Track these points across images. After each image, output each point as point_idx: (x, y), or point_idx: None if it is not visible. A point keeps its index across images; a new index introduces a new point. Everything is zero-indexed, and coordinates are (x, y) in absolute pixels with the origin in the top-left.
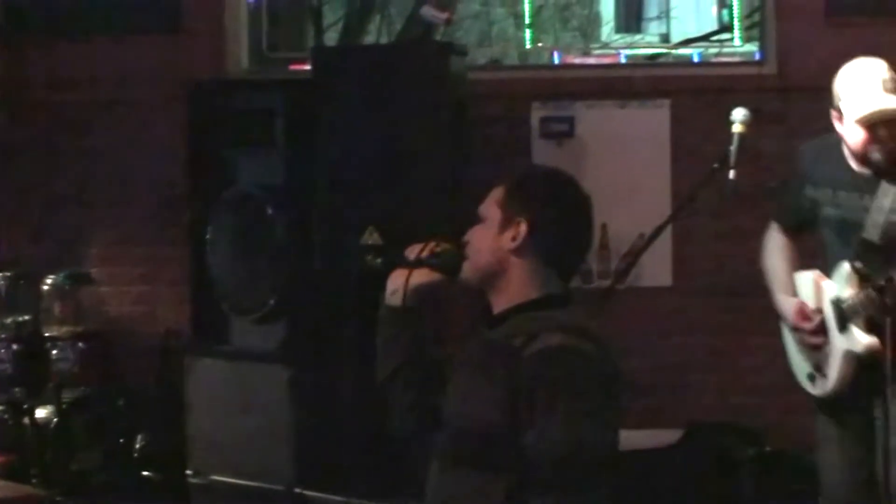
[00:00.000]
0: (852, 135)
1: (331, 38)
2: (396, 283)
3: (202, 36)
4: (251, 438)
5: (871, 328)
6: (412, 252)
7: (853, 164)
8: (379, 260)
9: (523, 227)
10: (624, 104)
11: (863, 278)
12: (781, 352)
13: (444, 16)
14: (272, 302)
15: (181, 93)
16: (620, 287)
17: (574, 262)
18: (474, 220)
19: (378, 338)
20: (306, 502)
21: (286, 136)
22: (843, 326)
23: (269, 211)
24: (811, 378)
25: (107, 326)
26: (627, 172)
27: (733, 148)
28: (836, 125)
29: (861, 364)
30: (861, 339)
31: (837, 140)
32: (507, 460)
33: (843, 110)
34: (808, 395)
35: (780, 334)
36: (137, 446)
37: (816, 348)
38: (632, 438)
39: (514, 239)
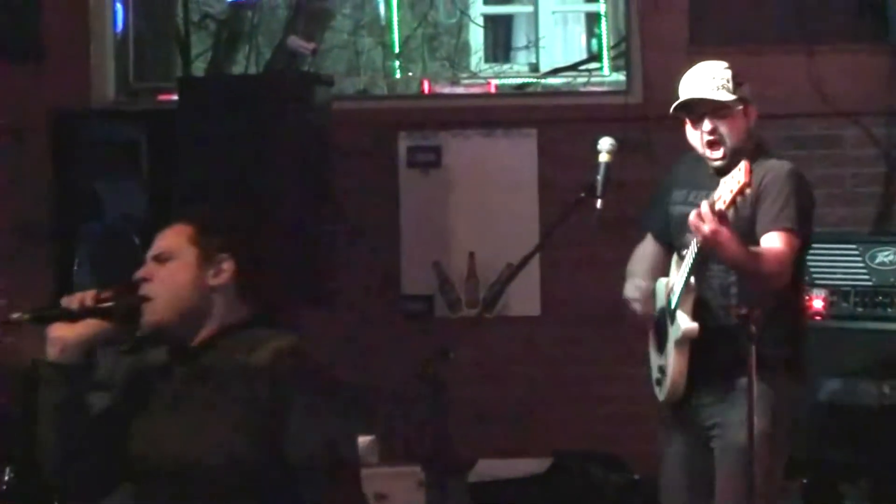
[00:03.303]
0: (689, 136)
1: (200, 67)
2: (61, 337)
3: (67, 65)
4: None
5: (695, 315)
6: (72, 302)
7: (709, 167)
8: (26, 315)
9: (229, 265)
10: (490, 133)
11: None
12: (646, 381)
13: (311, 46)
14: (138, 333)
15: (45, 122)
16: (489, 316)
17: (275, 290)
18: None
19: (47, 409)
20: None
21: (150, 167)
22: (672, 318)
23: (136, 241)
24: (658, 383)
25: None
26: (495, 201)
27: (600, 177)
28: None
29: (693, 356)
30: (682, 324)
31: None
32: (257, 483)
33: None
34: (657, 405)
35: (647, 363)
36: (6, 479)
37: (661, 350)
38: (500, 467)
39: (217, 275)
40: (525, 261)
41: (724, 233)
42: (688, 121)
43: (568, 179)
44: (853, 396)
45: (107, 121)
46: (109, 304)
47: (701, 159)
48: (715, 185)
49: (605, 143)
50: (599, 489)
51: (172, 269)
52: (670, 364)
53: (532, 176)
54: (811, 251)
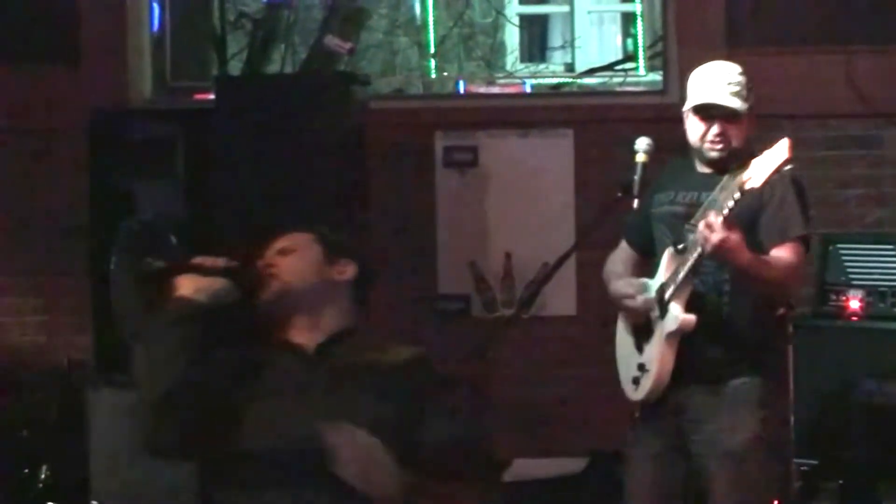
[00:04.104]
0: (690, 128)
1: (236, 67)
2: (195, 282)
3: (104, 64)
4: (154, 468)
5: (689, 308)
6: (206, 261)
7: (698, 167)
8: (160, 263)
9: (352, 267)
10: (526, 133)
11: (683, 252)
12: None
13: (347, 45)
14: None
15: (82, 122)
16: (525, 316)
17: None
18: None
19: (168, 340)
20: None
21: (187, 166)
22: (663, 311)
23: (172, 239)
24: (636, 381)
25: (7, 357)
26: (531, 201)
27: (637, 177)
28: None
29: (683, 347)
30: (679, 315)
31: (689, 156)
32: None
33: (685, 105)
34: (630, 405)
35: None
36: (41, 477)
37: (641, 348)
38: (537, 467)
39: (341, 273)
40: (561, 260)
41: (734, 239)
42: (695, 116)
43: (604, 179)
44: (890, 397)
45: (143, 120)
46: (237, 268)
47: (687, 163)
48: (704, 185)
49: (642, 143)
50: None
51: (297, 259)
52: (655, 359)
53: (568, 176)
54: (847, 251)
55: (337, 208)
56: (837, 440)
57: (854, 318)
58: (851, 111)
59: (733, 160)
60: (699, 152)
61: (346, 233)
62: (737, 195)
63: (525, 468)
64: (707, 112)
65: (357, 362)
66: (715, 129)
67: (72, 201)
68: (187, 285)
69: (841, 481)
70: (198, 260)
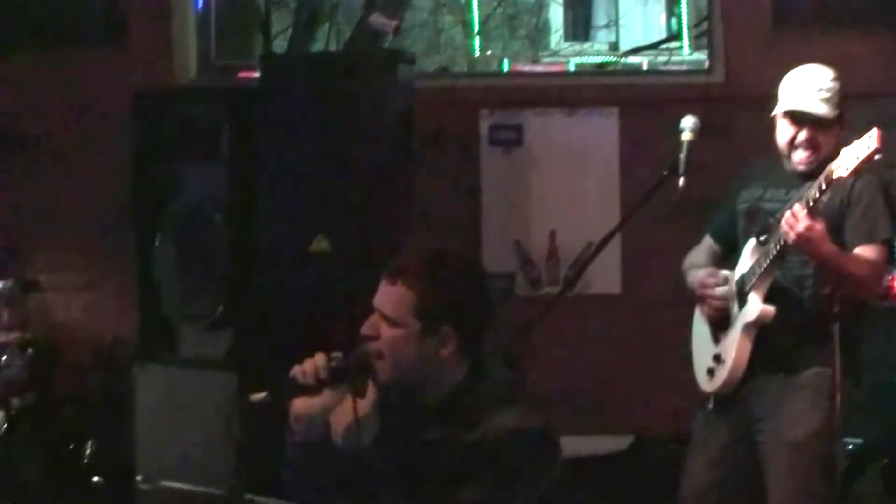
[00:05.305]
0: (780, 131)
1: (280, 45)
2: (306, 413)
3: (149, 44)
4: (200, 444)
5: (769, 300)
6: (307, 376)
7: (787, 166)
8: (266, 396)
9: (451, 337)
10: (572, 112)
11: (766, 244)
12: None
13: (393, 24)
14: (220, 309)
15: (128, 101)
16: (569, 294)
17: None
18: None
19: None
20: None
21: (232, 145)
22: (742, 301)
23: (217, 219)
24: (710, 372)
25: (54, 334)
26: (576, 180)
27: (683, 156)
28: (776, 129)
29: (759, 339)
30: (757, 306)
31: (778, 156)
32: None
33: (777, 106)
34: (701, 395)
35: (690, 357)
36: (87, 453)
37: (718, 340)
38: (580, 445)
39: (443, 345)
40: (607, 239)
41: (818, 230)
42: (784, 119)
43: (649, 158)
44: None
45: (188, 99)
46: (343, 365)
47: (775, 161)
48: (792, 183)
49: (689, 122)
50: (680, 467)
51: (398, 337)
52: (732, 349)
53: (613, 155)
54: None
55: (382, 186)
56: (883, 420)
57: None
58: None
59: (822, 170)
60: (788, 159)
61: (447, 284)
62: (823, 185)
63: (568, 446)
64: (797, 117)
65: (454, 437)
66: (804, 134)
67: (119, 180)
68: (302, 420)
69: (886, 460)
70: (299, 375)
